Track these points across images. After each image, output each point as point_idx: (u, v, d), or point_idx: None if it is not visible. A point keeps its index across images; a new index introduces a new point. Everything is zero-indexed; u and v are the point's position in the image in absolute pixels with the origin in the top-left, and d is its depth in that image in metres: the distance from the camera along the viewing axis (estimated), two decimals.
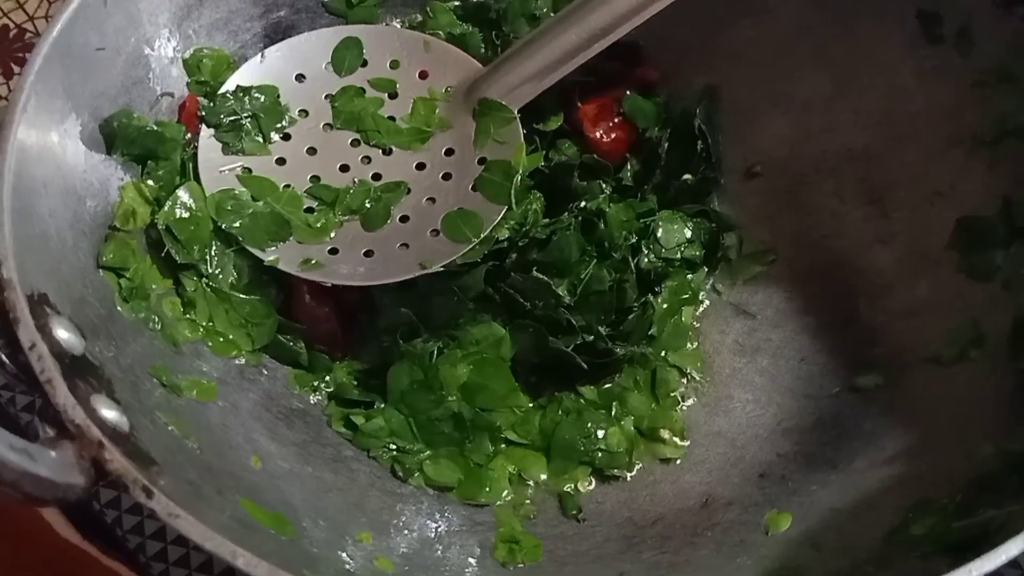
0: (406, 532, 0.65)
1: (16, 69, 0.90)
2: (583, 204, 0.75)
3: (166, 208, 0.67)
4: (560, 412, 0.72)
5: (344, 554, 0.60)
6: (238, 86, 0.72)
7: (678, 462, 0.71)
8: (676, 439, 0.72)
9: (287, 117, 0.73)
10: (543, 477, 0.71)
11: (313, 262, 0.69)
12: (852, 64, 0.74)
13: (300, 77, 0.74)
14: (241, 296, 0.69)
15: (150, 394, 0.60)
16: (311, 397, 0.71)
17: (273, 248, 0.69)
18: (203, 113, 0.71)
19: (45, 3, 0.91)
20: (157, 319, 0.65)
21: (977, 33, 0.69)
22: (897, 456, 0.64)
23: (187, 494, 0.53)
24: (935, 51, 0.71)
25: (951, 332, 0.67)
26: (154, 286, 0.66)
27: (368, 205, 0.71)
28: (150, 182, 0.68)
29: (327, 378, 0.72)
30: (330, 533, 0.61)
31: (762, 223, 0.78)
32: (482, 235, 0.69)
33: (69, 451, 0.49)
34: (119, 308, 0.63)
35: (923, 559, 0.54)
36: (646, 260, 0.75)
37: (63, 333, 0.54)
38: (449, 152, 0.73)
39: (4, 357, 0.53)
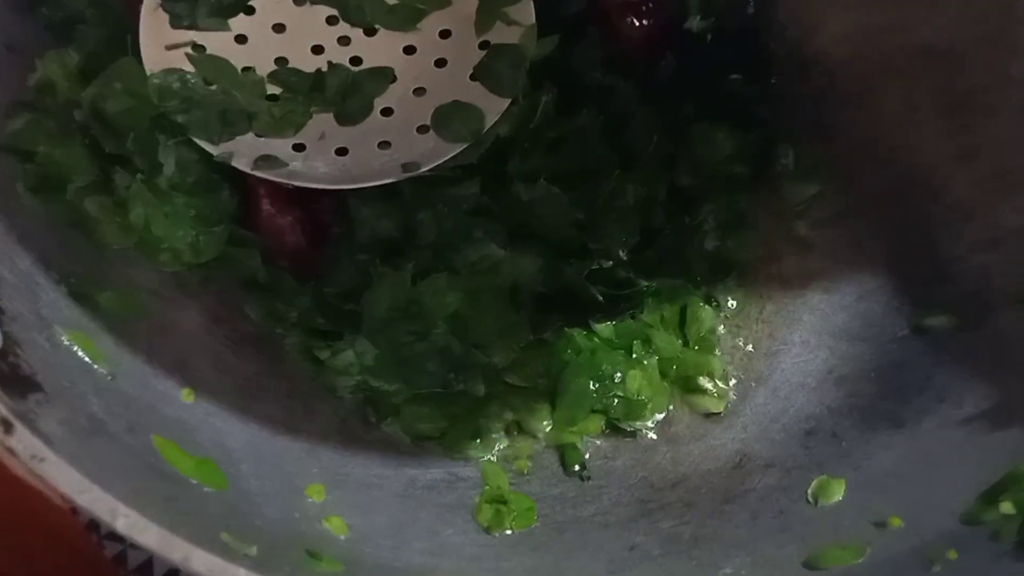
0: (369, 487, 0.59)
1: None
2: (607, 104, 0.68)
3: (95, 86, 0.59)
4: (569, 351, 0.66)
5: (287, 511, 0.53)
6: None
7: (719, 415, 0.66)
8: (718, 388, 0.67)
9: None
10: (546, 427, 0.64)
11: (273, 159, 0.61)
12: None
13: None
14: (185, 198, 0.61)
15: (52, 305, 0.53)
16: (268, 323, 0.64)
17: (227, 141, 0.61)
18: None
19: None
20: (76, 217, 0.58)
21: None
22: (978, 415, 0.58)
23: (82, 431, 0.46)
24: None
25: None
26: (74, 178, 0.59)
27: (344, 94, 0.63)
28: (76, 54, 0.60)
29: (292, 301, 0.64)
30: (272, 485, 0.55)
31: (819, 135, 0.71)
32: (481, 133, 0.62)
33: None
34: (22, 197, 0.56)
35: (1019, 545, 0.49)
36: (682, 176, 0.69)
37: None
38: (445, 34, 0.65)
39: None
